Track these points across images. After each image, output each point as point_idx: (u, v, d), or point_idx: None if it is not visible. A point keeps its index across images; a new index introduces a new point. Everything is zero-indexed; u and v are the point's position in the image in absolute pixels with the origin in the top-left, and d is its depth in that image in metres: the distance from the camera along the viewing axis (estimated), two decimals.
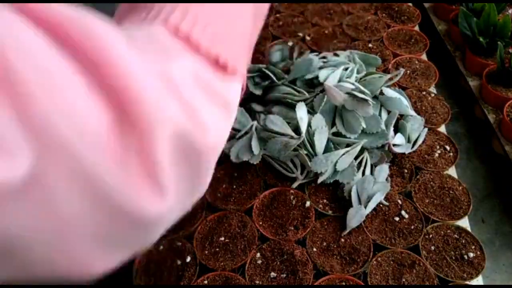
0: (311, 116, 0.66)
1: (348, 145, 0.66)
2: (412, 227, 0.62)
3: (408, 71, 0.85)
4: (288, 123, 0.67)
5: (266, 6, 0.36)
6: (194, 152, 0.25)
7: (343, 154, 0.64)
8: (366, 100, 0.64)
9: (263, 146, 0.67)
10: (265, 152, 0.67)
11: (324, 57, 0.82)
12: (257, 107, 0.74)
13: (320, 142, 0.65)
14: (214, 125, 0.26)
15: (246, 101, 0.78)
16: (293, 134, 0.64)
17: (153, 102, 0.22)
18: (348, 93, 0.65)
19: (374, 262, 0.58)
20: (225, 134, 0.28)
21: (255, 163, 0.66)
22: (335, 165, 0.64)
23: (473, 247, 0.60)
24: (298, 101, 0.71)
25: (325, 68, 0.75)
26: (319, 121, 0.65)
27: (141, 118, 0.21)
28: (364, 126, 0.66)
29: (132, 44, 0.23)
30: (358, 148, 0.65)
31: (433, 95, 0.81)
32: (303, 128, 0.63)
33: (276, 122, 0.65)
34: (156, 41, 0.25)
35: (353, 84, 0.68)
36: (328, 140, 0.66)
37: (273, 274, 0.57)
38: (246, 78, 0.33)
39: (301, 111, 0.64)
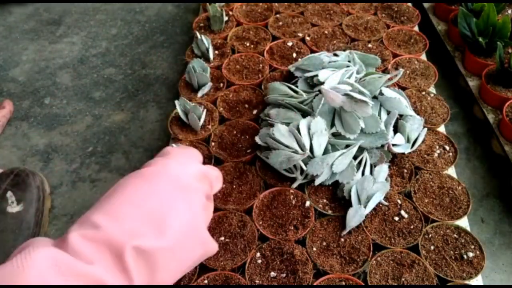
0: (311, 118, 0.65)
1: (347, 146, 0.67)
2: (412, 226, 0.62)
3: (408, 71, 0.85)
4: (287, 123, 0.67)
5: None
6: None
7: (339, 156, 0.64)
8: (364, 101, 0.64)
9: (265, 155, 0.66)
10: (267, 160, 0.67)
11: None
12: None
13: (318, 145, 0.64)
14: None
15: None
16: (298, 149, 0.63)
17: None
18: (346, 94, 0.65)
19: (374, 261, 0.58)
20: None
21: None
22: (331, 167, 0.64)
23: (472, 246, 0.60)
24: (297, 102, 0.71)
25: (326, 68, 0.75)
26: (318, 124, 0.65)
27: None
28: (363, 126, 0.66)
29: None
30: (355, 149, 0.65)
31: (432, 95, 0.81)
32: (307, 144, 0.63)
33: (284, 133, 0.65)
34: None
35: (351, 84, 0.68)
36: (328, 141, 0.66)
37: (273, 273, 0.57)
38: None
39: (305, 128, 0.64)
